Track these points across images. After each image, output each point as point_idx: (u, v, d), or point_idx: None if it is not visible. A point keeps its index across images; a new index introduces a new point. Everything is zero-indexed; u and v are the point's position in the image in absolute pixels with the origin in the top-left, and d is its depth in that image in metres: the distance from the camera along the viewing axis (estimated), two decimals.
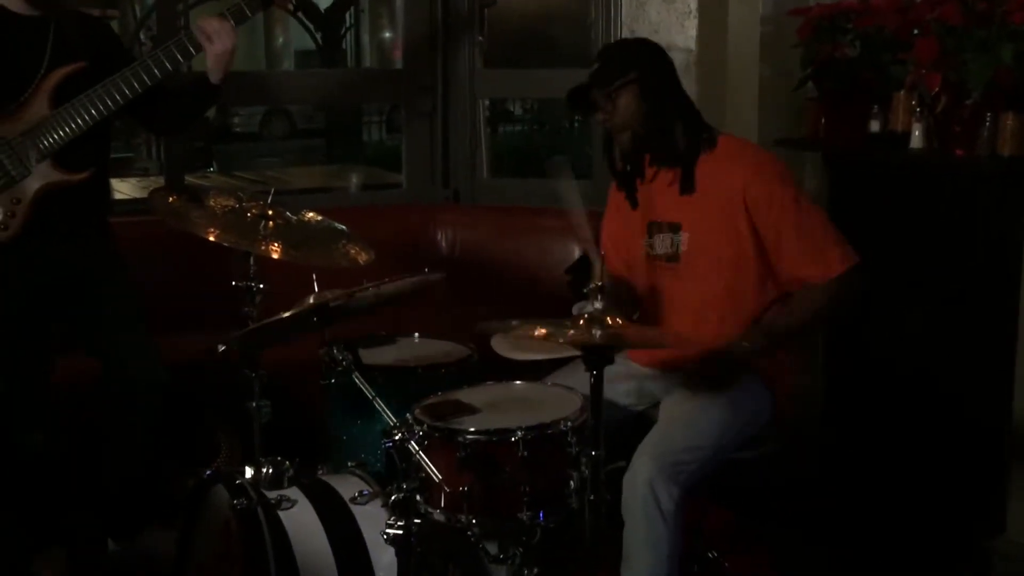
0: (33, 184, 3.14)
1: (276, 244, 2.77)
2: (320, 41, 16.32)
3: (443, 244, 4.63)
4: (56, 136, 3.13)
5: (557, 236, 4.34)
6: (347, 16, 17.42)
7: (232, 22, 3.21)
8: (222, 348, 2.74)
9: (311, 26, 16.06)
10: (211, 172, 11.78)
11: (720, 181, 2.73)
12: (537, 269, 4.42)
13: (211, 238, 2.75)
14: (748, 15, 4.01)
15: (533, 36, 6.12)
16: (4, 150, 3.11)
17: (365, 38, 19.64)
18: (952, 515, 3.36)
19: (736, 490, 2.93)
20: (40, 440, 3.03)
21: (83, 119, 3.14)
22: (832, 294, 2.70)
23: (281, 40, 20.90)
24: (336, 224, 2.99)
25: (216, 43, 3.18)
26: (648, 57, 2.80)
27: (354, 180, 11.33)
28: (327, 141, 16.10)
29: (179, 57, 3.18)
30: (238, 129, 16.45)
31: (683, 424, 2.70)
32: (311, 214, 3.01)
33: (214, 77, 3.25)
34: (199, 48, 3.20)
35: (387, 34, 19.04)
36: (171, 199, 2.98)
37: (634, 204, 2.87)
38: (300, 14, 15.27)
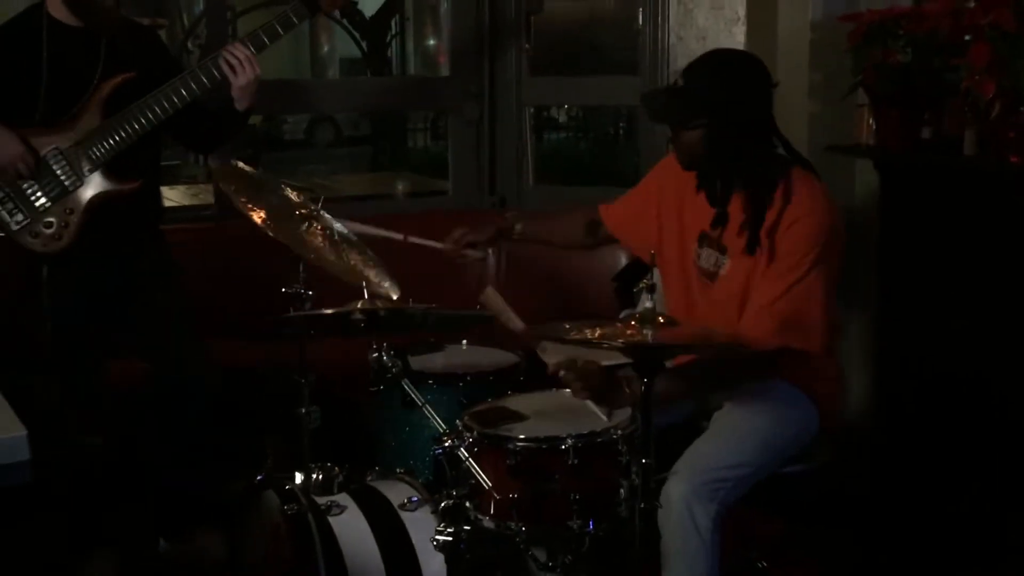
0: (86, 194, 3.18)
1: (322, 249, 2.79)
2: (365, 49, 16.38)
3: (489, 251, 4.63)
4: (108, 146, 3.17)
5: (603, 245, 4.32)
6: (392, 24, 17.48)
7: (254, 51, 3.22)
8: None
9: (356, 34, 16.13)
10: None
11: (771, 222, 2.64)
12: (583, 276, 4.41)
13: (256, 219, 2.78)
14: (797, 21, 3.98)
15: (580, 43, 6.12)
16: (58, 160, 3.16)
17: (410, 45, 19.70)
18: (1006, 525, 3.31)
19: (788, 501, 2.91)
20: (100, 442, 3.07)
21: (133, 128, 3.18)
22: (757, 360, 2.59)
23: (326, 48, 20.99)
24: (370, 252, 2.99)
25: (239, 76, 3.20)
26: (730, 102, 2.60)
27: (400, 188, 11.37)
28: (373, 148, 16.18)
29: (205, 83, 3.20)
30: (285, 137, 16.54)
31: (724, 440, 2.68)
32: (357, 226, 3.02)
33: (239, 105, 3.28)
34: (219, 77, 3.21)
35: (431, 41, 19.08)
36: (234, 165, 3.02)
37: (712, 202, 2.73)
38: (345, 22, 15.36)
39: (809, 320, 2.59)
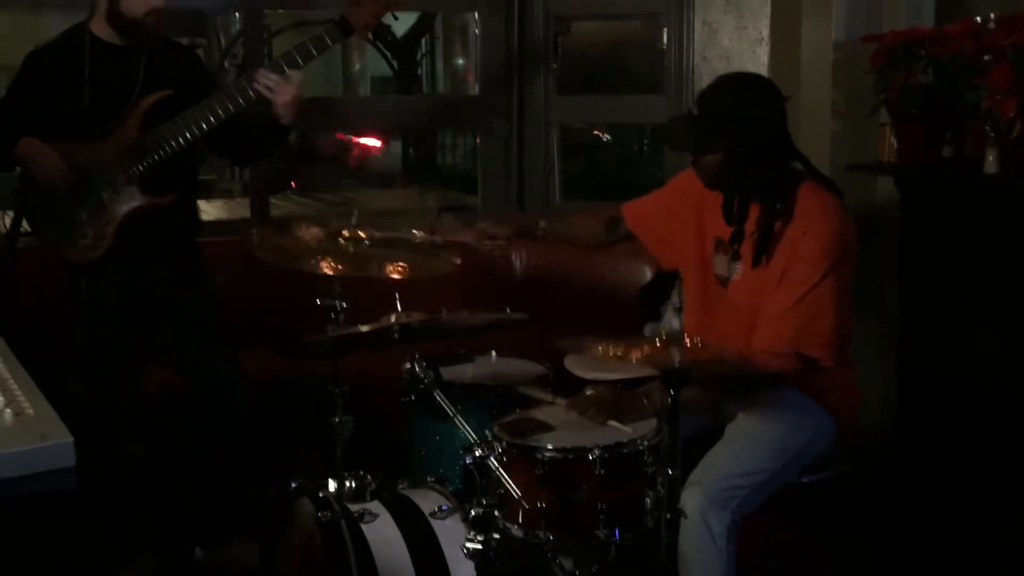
0: (122, 207, 3.20)
1: (381, 266, 2.79)
2: (396, 67, 16.45)
3: (516, 263, 4.64)
4: (145, 161, 3.19)
5: (628, 258, 4.32)
6: (423, 43, 17.54)
7: (287, 73, 3.22)
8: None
9: (387, 54, 16.20)
10: (291, 194, 11.91)
11: (787, 237, 2.65)
12: (608, 290, 4.41)
13: (327, 271, 2.75)
14: (820, 42, 3.98)
15: (605, 63, 6.12)
16: (95, 174, 3.18)
17: (439, 65, 19.76)
18: None
19: (807, 510, 2.90)
20: (142, 450, 3.08)
21: (171, 145, 3.19)
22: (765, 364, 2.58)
23: (358, 67, 21.07)
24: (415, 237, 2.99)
25: (278, 95, 3.21)
26: (745, 126, 2.62)
27: (431, 204, 11.38)
28: (403, 164, 16.21)
29: (241, 102, 3.21)
30: (319, 152, 16.60)
31: (738, 450, 2.69)
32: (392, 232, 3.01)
33: (283, 120, 3.29)
34: (253, 96, 3.23)
35: (460, 61, 19.14)
36: (259, 234, 3.00)
37: (728, 214, 2.75)
38: (376, 41, 15.44)
39: (820, 329, 2.60)
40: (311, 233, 2.89)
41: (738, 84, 2.79)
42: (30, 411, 1.79)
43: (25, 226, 3.25)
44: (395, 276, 2.75)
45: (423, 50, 17.94)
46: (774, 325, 2.62)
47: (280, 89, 3.19)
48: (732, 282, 2.75)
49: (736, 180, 2.67)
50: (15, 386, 1.92)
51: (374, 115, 5.84)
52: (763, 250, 2.63)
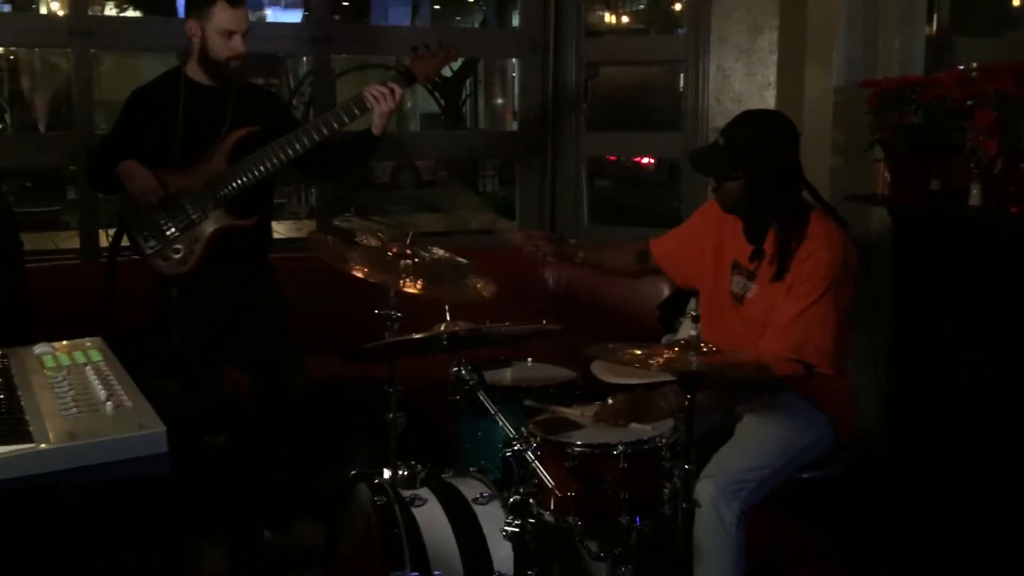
0: (209, 227, 3.24)
1: (414, 279, 2.81)
2: (442, 105, 16.55)
3: (550, 281, 4.65)
4: (231, 187, 3.23)
5: (648, 277, 4.31)
6: (467, 84, 17.64)
7: (400, 88, 3.30)
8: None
9: (436, 94, 16.31)
10: (350, 216, 12.00)
11: (795, 260, 2.66)
12: (630, 304, 4.40)
13: (359, 275, 2.80)
14: (822, 87, 3.97)
15: (630, 103, 6.16)
16: (187, 198, 3.22)
17: (480, 103, 19.87)
18: (1009, 527, 3.24)
19: (808, 505, 2.89)
20: (223, 441, 3.10)
21: (254, 173, 3.23)
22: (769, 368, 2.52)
23: (409, 104, 21.25)
24: (461, 259, 3.01)
25: (382, 104, 3.27)
26: (764, 158, 2.65)
27: (475, 219, 11.40)
28: (448, 191, 16.29)
29: (346, 120, 3.28)
30: (373, 180, 16.72)
31: (745, 446, 2.70)
32: (441, 252, 3.03)
33: (377, 131, 3.35)
34: (363, 111, 3.29)
35: (499, 100, 19.24)
36: (328, 238, 3.04)
37: (746, 232, 2.77)
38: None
39: (820, 339, 2.60)
40: (368, 243, 2.92)
41: (759, 119, 2.82)
42: (129, 404, 1.82)
43: (125, 241, 3.30)
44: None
45: (467, 91, 18.08)
46: (779, 333, 2.63)
47: (388, 99, 3.25)
48: (747, 299, 2.76)
49: (753, 205, 2.68)
50: (115, 382, 1.95)
51: (428, 147, 5.87)
52: (783, 267, 2.65)
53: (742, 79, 4.35)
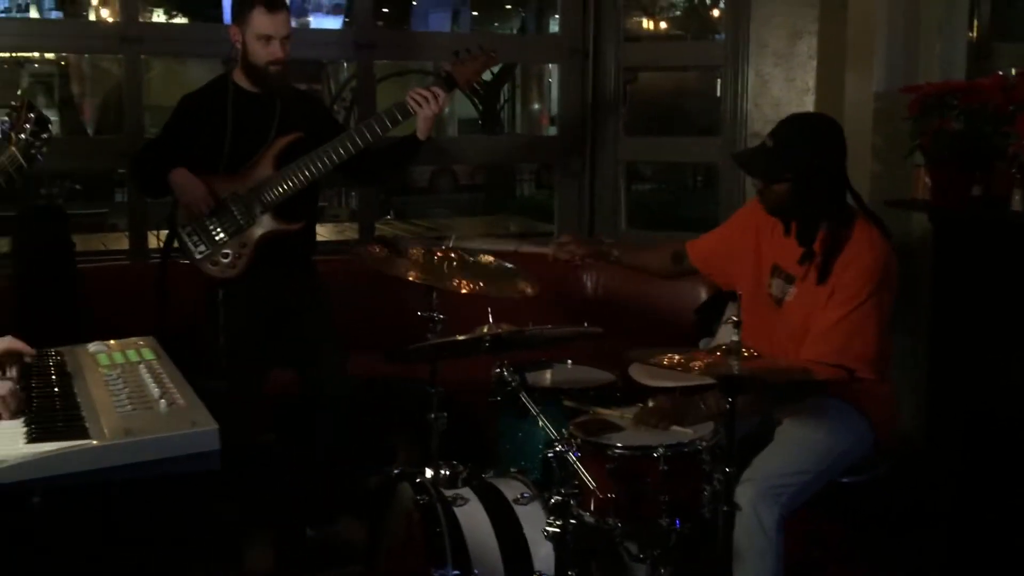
0: (257, 231, 3.27)
1: (461, 280, 2.82)
2: (480, 110, 16.57)
3: (588, 284, 4.64)
4: (277, 192, 3.25)
5: (685, 280, 4.28)
6: (504, 90, 17.66)
7: (442, 92, 3.31)
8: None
9: (475, 100, 16.32)
10: (389, 219, 12.06)
11: (837, 266, 2.64)
12: (668, 307, 4.38)
13: (412, 279, 2.81)
14: (862, 92, 3.94)
15: (668, 108, 6.13)
16: (236, 203, 3.25)
17: (517, 108, 19.87)
18: None
19: (848, 508, 2.87)
20: (272, 439, 3.13)
21: (300, 178, 3.25)
22: (812, 373, 2.51)
23: (447, 110, 21.30)
24: (506, 263, 3.02)
25: (425, 108, 3.28)
26: (814, 159, 2.63)
27: (511, 228, 11.38)
28: (486, 195, 16.32)
29: (389, 125, 3.29)
30: (412, 184, 16.78)
31: (785, 451, 2.67)
32: (485, 255, 3.03)
33: (421, 134, 3.36)
34: (406, 117, 3.30)
35: (536, 106, 19.23)
36: (377, 250, 3.06)
37: (786, 232, 2.75)
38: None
39: (861, 345, 2.59)
40: (417, 252, 2.94)
41: (808, 122, 2.82)
42: (181, 402, 1.84)
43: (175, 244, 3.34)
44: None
45: (505, 96, 18.09)
46: (820, 338, 2.61)
47: (432, 103, 3.26)
48: (786, 302, 2.74)
49: (799, 207, 2.66)
50: (168, 380, 1.97)
51: (470, 151, 5.89)
52: (825, 271, 2.63)
53: (781, 84, 4.33)
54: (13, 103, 2.58)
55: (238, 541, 3.13)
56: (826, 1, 4.16)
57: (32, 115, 2.48)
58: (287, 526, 3.40)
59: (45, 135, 2.51)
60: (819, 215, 2.66)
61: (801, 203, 2.65)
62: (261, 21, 3.20)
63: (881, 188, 3.82)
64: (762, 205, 2.75)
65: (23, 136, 2.49)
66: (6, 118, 2.51)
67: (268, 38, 3.21)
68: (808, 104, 4.22)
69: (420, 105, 3.28)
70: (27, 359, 1.93)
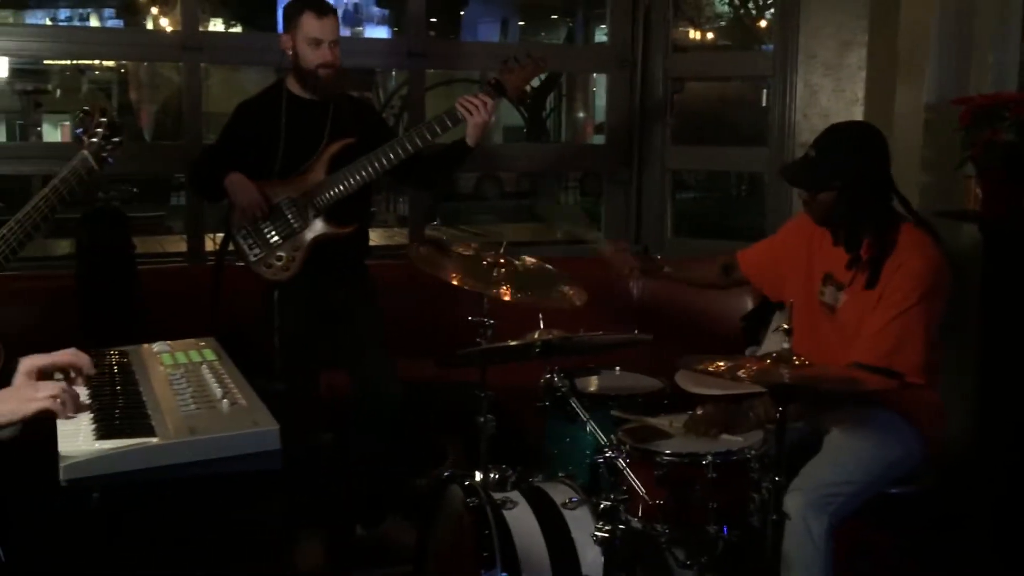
0: (310, 235, 3.29)
1: (506, 287, 2.82)
2: (526, 118, 16.59)
3: (635, 291, 4.61)
4: (329, 196, 3.28)
5: (732, 289, 4.26)
6: (550, 98, 17.66)
7: (490, 99, 3.31)
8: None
9: (521, 108, 16.35)
10: (437, 225, 12.08)
11: (886, 269, 2.62)
12: (714, 315, 4.34)
13: (454, 282, 2.82)
14: (913, 103, 3.89)
15: (713, 118, 6.09)
16: (289, 207, 3.28)
17: (562, 116, 19.85)
18: None
19: (897, 519, 2.82)
20: (330, 439, 3.14)
21: (352, 182, 3.28)
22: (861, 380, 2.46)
23: (493, 118, 21.32)
24: (554, 268, 3.01)
25: (475, 115, 3.29)
26: (859, 166, 2.62)
27: (559, 234, 11.32)
28: (531, 202, 16.32)
29: (438, 131, 3.31)
30: (458, 191, 16.83)
31: (833, 460, 2.64)
32: (533, 260, 3.02)
33: (471, 141, 3.37)
34: (456, 123, 3.31)
35: (580, 114, 19.20)
36: (421, 249, 3.07)
37: (836, 242, 2.73)
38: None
39: (910, 350, 2.56)
40: (462, 250, 2.94)
41: (850, 130, 2.80)
42: (243, 402, 1.86)
43: (231, 247, 3.37)
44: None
45: (551, 105, 18.10)
46: (868, 342, 2.58)
47: (481, 110, 3.27)
48: (839, 309, 2.72)
49: (847, 215, 2.64)
50: (229, 380, 1.99)
51: (517, 159, 5.90)
52: (874, 275, 2.61)
53: (829, 95, 4.28)
54: (86, 108, 2.63)
55: (290, 539, 3.14)
56: (876, 12, 4.12)
57: (104, 119, 2.52)
58: (337, 525, 3.42)
59: (116, 139, 2.55)
60: (865, 221, 2.64)
61: (847, 211, 2.63)
62: (311, 25, 3.24)
63: (931, 199, 3.77)
64: (810, 217, 2.72)
65: (95, 140, 2.53)
66: (79, 122, 2.56)
67: (317, 42, 3.24)
68: (857, 115, 4.17)
69: (470, 112, 3.29)
70: (87, 371, 1.94)
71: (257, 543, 2.13)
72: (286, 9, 3.34)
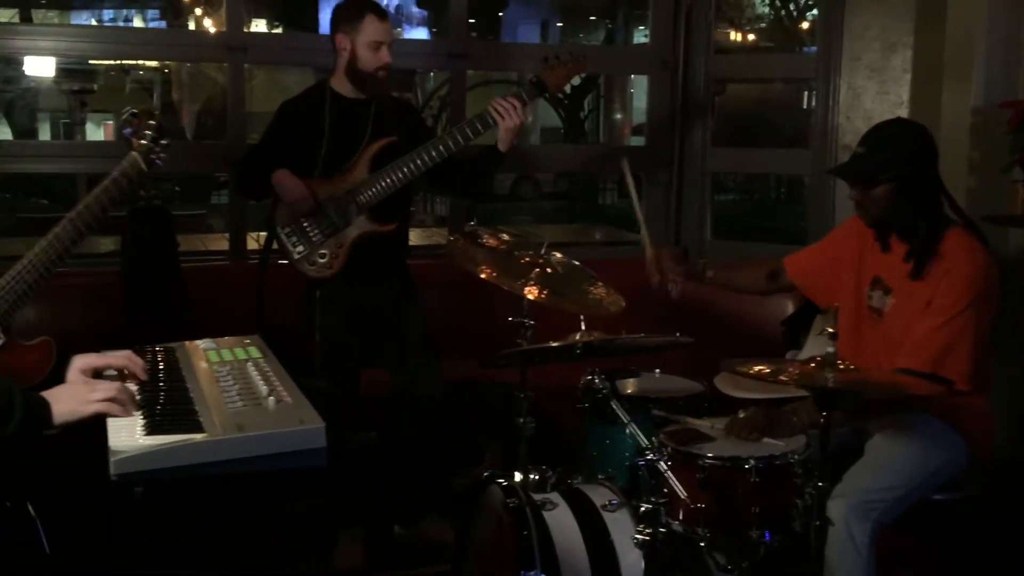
0: (352, 232, 3.30)
1: (540, 287, 2.80)
2: (563, 119, 16.56)
3: (673, 292, 4.56)
4: (371, 194, 3.29)
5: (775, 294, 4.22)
6: (588, 99, 17.62)
7: (520, 103, 3.31)
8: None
9: (560, 110, 16.33)
10: (474, 225, 12.08)
11: (934, 273, 2.60)
12: (754, 318, 4.31)
13: (483, 276, 2.81)
14: (960, 106, 3.84)
15: (752, 120, 6.05)
16: (332, 205, 3.29)
17: (600, 117, 19.79)
18: None
19: (939, 526, 2.79)
20: (375, 438, 3.15)
21: (393, 180, 3.28)
22: (907, 386, 2.44)
23: (530, 118, 21.32)
24: (591, 272, 2.99)
25: (506, 120, 3.28)
26: (911, 159, 2.62)
27: (598, 236, 11.28)
28: (570, 203, 16.28)
29: (471, 134, 3.31)
30: (495, 191, 16.83)
31: (876, 466, 2.62)
32: (570, 262, 2.99)
33: (502, 146, 3.36)
34: (483, 129, 3.31)
35: (618, 116, 19.14)
36: (454, 238, 3.06)
37: (885, 248, 2.72)
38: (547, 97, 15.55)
39: (958, 355, 2.53)
40: (495, 243, 2.93)
41: (896, 125, 2.78)
42: (289, 399, 1.86)
43: (274, 245, 3.39)
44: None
45: (589, 106, 18.05)
46: (916, 346, 2.56)
47: (512, 114, 3.26)
48: (886, 313, 2.69)
49: (901, 209, 2.61)
50: (275, 378, 2.00)
51: (556, 160, 5.90)
52: (920, 267, 2.59)
53: (873, 97, 4.24)
54: (134, 110, 2.67)
55: (331, 537, 3.16)
56: (922, 14, 4.07)
57: (152, 121, 2.56)
58: (377, 524, 3.42)
59: (164, 141, 2.59)
60: (918, 215, 2.62)
61: (902, 205, 2.61)
62: (374, 28, 3.25)
63: (978, 203, 3.71)
64: (862, 219, 2.69)
65: (144, 142, 2.57)
66: (128, 124, 2.60)
67: (379, 45, 3.25)
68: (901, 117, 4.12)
69: (502, 116, 3.28)
70: (140, 377, 1.96)
71: (299, 540, 2.14)
72: (342, 10, 3.33)
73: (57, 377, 1.88)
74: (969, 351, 2.53)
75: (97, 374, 1.89)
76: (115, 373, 1.93)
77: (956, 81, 3.88)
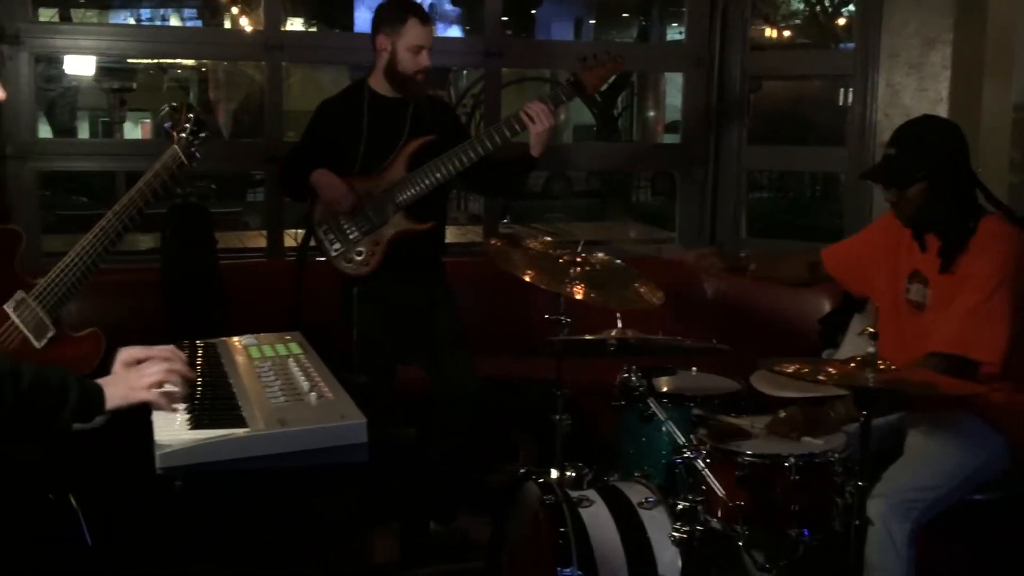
0: (389, 230, 3.32)
1: (581, 285, 2.80)
2: (597, 117, 16.54)
3: (708, 291, 4.57)
4: (409, 193, 3.30)
5: (809, 290, 4.19)
6: (621, 97, 17.59)
7: (551, 106, 3.30)
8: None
9: (594, 109, 16.31)
10: (507, 223, 12.11)
11: (967, 259, 2.58)
12: (790, 317, 4.28)
13: (526, 278, 2.81)
14: (1000, 103, 3.79)
15: (791, 117, 6.00)
16: (369, 203, 3.31)
17: (634, 115, 19.75)
18: None
19: (979, 526, 2.75)
20: (414, 434, 3.16)
21: (430, 180, 3.29)
22: (943, 366, 2.46)
23: (563, 116, 21.30)
24: (631, 267, 3.00)
25: (537, 124, 3.27)
26: (943, 155, 2.60)
27: (632, 234, 11.20)
28: (602, 201, 16.26)
29: (507, 135, 3.30)
30: (530, 189, 16.84)
31: (915, 465, 2.60)
32: (610, 259, 2.99)
33: (534, 151, 3.35)
34: (519, 130, 3.31)
35: (651, 113, 19.09)
36: (493, 242, 3.07)
37: (923, 248, 2.69)
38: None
39: (990, 336, 2.51)
40: (536, 246, 2.92)
41: (923, 122, 2.77)
42: (330, 395, 1.88)
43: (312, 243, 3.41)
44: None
45: (622, 104, 18.03)
46: (948, 328, 2.55)
47: (543, 119, 3.25)
48: (927, 306, 2.68)
49: (936, 206, 2.60)
50: (316, 374, 2.02)
51: (589, 158, 5.89)
52: (950, 259, 2.58)
53: (912, 94, 4.19)
54: (173, 104, 2.70)
55: (369, 532, 3.17)
56: (962, 10, 4.01)
57: (191, 115, 2.58)
58: (413, 519, 3.44)
59: (203, 134, 2.61)
60: (953, 210, 2.60)
61: (937, 201, 2.59)
62: (416, 32, 3.26)
63: (1019, 200, 3.67)
64: (898, 217, 2.67)
65: (184, 135, 2.60)
66: (168, 117, 2.62)
67: (420, 48, 3.26)
68: (941, 114, 4.06)
69: (532, 120, 3.27)
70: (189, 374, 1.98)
71: (337, 535, 2.15)
72: (385, 11, 3.34)
73: (105, 369, 1.90)
74: (1002, 331, 2.51)
75: None
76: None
77: (997, 78, 3.83)
